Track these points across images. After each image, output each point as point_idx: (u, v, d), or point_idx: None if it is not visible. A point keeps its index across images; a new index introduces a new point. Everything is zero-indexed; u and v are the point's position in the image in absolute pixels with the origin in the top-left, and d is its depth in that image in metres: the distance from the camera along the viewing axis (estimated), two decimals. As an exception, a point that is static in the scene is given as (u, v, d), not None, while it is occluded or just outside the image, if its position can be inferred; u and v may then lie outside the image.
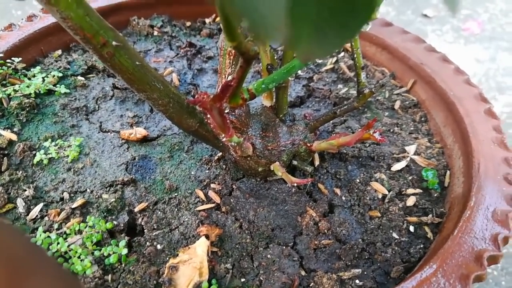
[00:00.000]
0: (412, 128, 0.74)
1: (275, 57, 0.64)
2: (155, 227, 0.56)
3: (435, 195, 0.62)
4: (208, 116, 0.50)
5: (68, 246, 0.51)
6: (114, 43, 0.46)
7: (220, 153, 0.66)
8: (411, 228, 0.57)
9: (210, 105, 0.47)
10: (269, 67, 0.60)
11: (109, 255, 0.52)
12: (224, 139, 0.59)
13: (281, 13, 0.21)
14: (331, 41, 0.23)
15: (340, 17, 0.22)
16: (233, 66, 0.60)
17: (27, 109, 0.70)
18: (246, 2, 0.21)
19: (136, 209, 0.58)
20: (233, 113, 0.60)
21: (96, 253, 0.52)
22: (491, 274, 1.01)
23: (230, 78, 0.60)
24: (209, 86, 0.83)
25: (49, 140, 0.66)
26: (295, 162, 0.63)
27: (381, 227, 0.57)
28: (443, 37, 1.78)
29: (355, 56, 0.60)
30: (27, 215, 0.56)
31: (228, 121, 0.51)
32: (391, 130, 0.73)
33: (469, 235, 0.49)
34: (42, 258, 0.20)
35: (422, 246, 0.55)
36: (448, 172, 0.65)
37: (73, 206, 0.57)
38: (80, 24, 0.44)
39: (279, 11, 0.21)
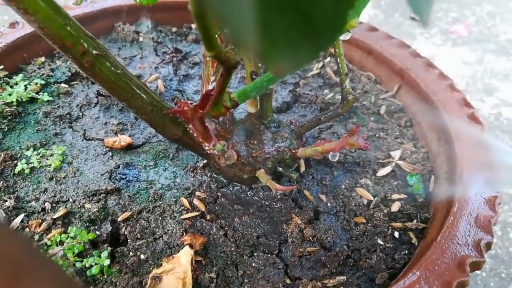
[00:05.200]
0: (397, 133, 0.74)
1: (259, 64, 0.64)
2: (138, 236, 0.56)
3: (420, 200, 0.62)
4: (190, 125, 0.50)
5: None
6: (94, 51, 0.46)
7: (205, 161, 0.66)
8: (396, 234, 0.58)
9: (191, 115, 0.46)
10: (253, 75, 0.60)
11: (91, 266, 0.51)
12: (207, 148, 0.58)
13: (251, 26, 0.20)
14: (303, 55, 0.23)
15: (311, 30, 0.22)
16: (216, 73, 0.60)
17: (9, 117, 0.69)
18: (222, 12, 0.21)
19: (119, 219, 0.58)
20: (217, 121, 0.59)
21: (78, 264, 0.51)
22: (480, 275, 1.02)
23: (213, 85, 0.59)
24: (196, 92, 0.82)
25: (31, 149, 0.65)
26: (280, 169, 0.63)
27: (366, 233, 0.57)
28: (431, 40, 1.80)
29: (338, 62, 0.60)
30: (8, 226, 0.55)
31: (211, 129, 0.51)
32: (377, 135, 0.73)
33: (452, 241, 0.49)
34: (42, 259, 0.20)
35: (406, 252, 0.55)
36: (432, 177, 0.65)
37: (54, 217, 0.56)
38: (59, 33, 0.43)
39: (248, 23, 0.20)
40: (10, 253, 0.17)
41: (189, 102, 0.46)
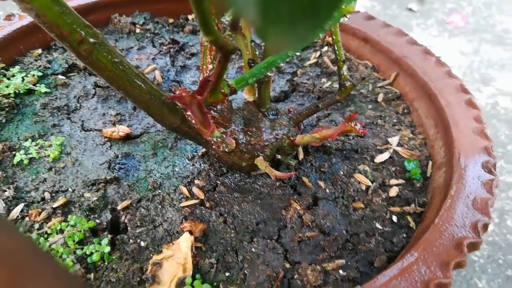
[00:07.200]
0: (395, 120, 0.75)
1: (257, 52, 0.64)
2: (138, 224, 0.56)
3: (418, 185, 0.63)
4: (189, 112, 0.50)
5: (50, 245, 0.51)
6: (91, 40, 0.46)
7: (204, 149, 0.66)
8: (394, 218, 0.58)
9: (189, 101, 0.46)
10: (251, 62, 0.60)
11: (91, 253, 0.51)
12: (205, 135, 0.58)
13: (251, 3, 0.21)
14: (301, 31, 0.23)
15: (310, 6, 0.22)
16: (214, 62, 0.60)
17: (7, 109, 0.69)
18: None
19: (119, 207, 0.58)
20: (215, 109, 0.60)
21: (78, 251, 0.51)
22: (477, 262, 1.02)
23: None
24: (193, 83, 0.82)
25: (30, 140, 0.65)
26: (279, 156, 0.63)
27: (364, 218, 0.58)
28: (427, 31, 1.80)
29: (336, 49, 0.60)
30: (8, 216, 0.55)
31: (209, 116, 0.51)
32: (375, 123, 0.74)
33: (449, 223, 0.50)
34: (43, 257, 0.20)
35: (405, 235, 0.56)
36: (430, 162, 0.65)
37: (54, 206, 0.56)
38: (55, 22, 0.43)
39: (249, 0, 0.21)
40: (11, 251, 0.18)
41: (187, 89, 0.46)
